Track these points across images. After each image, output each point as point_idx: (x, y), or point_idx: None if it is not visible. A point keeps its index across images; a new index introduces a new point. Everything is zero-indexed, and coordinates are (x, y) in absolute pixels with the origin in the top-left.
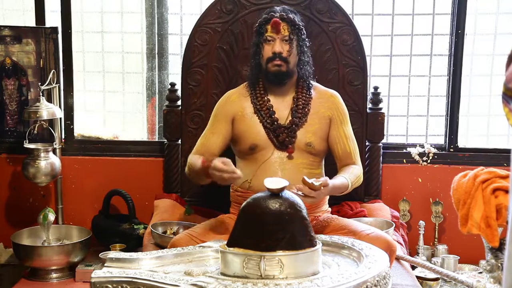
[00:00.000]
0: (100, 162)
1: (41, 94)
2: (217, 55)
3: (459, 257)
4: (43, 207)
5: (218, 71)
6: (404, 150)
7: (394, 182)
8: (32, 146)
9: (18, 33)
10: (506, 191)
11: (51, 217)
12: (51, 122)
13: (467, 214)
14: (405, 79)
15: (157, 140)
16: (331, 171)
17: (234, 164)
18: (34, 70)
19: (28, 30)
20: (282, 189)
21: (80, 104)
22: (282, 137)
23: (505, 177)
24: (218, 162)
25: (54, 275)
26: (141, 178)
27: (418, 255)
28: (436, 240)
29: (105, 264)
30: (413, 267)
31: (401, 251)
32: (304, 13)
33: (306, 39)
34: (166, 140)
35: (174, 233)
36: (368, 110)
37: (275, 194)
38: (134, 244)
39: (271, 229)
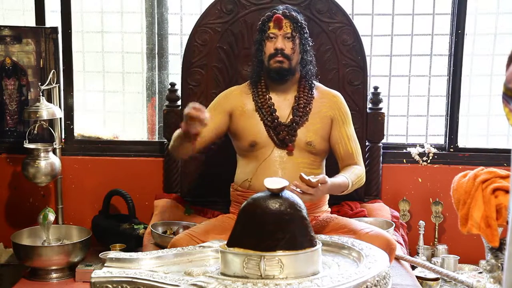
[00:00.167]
0: (100, 162)
1: (41, 94)
2: (217, 55)
3: (459, 257)
4: (43, 207)
5: (218, 71)
6: (404, 150)
7: (394, 182)
8: (32, 146)
9: (18, 33)
10: (506, 191)
11: (51, 217)
12: (51, 122)
13: (467, 214)
14: (405, 79)
15: (157, 140)
16: (334, 172)
17: (235, 163)
18: (34, 70)
19: (28, 30)
20: (282, 189)
21: (80, 104)
22: (282, 135)
23: (505, 177)
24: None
25: (54, 275)
26: (141, 178)
27: (418, 255)
28: (436, 240)
29: (105, 264)
30: (413, 267)
31: (401, 251)
32: (304, 13)
33: (309, 39)
34: (166, 140)
35: (174, 233)
36: (368, 110)
37: (275, 194)
38: (134, 244)
39: (271, 229)
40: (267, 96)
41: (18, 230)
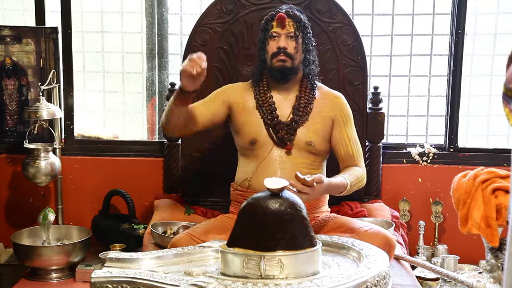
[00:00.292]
0: (100, 162)
1: (41, 94)
2: (217, 55)
3: (459, 257)
4: (43, 207)
5: (218, 71)
6: (404, 150)
7: (394, 182)
8: (32, 146)
9: (18, 33)
10: (506, 191)
11: (51, 217)
12: (51, 122)
13: (467, 214)
14: (405, 79)
15: (157, 140)
16: (335, 173)
17: (235, 163)
18: (34, 70)
19: (28, 30)
20: (282, 189)
21: (80, 104)
22: (281, 133)
23: (505, 177)
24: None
25: (54, 275)
26: (141, 178)
27: (418, 255)
28: (436, 240)
29: (105, 264)
30: (413, 267)
31: (401, 251)
32: (304, 13)
33: (312, 39)
34: (166, 140)
35: (174, 233)
36: (368, 110)
37: (275, 194)
38: (134, 244)
39: (271, 229)
40: (269, 95)
41: (18, 230)
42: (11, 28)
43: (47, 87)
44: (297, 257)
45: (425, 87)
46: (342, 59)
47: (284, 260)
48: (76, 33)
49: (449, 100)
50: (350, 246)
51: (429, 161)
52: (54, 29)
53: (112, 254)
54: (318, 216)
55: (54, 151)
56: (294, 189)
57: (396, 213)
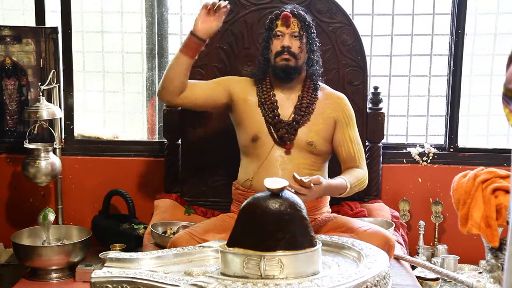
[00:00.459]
0: (100, 162)
1: (41, 94)
2: (217, 55)
3: (459, 257)
4: (43, 207)
5: (218, 71)
6: (404, 150)
7: (394, 182)
8: (32, 146)
9: (18, 33)
10: (506, 191)
11: (51, 217)
12: (51, 122)
13: (467, 214)
14: (405, 79)
15: (157, 140)
16: (336, 175)
17: (235, 163)
18: (34, 70)
19: (28, 30)
20: (282, 189)
21: (80, 104)
22: (282, 132)
23: (505, 177)
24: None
25: (54, 275)
26: (141, 178)
27: (418, 255)
28: (436, 240)
29: (105, 264)
30: (413, 267)
31: (401, 251)
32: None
33: (317, 39)
34: (166, 140)
35: (174, 233)
36: (368, 110)
37: (275, 194)
38: (134, 244)
39: (271, 229)
40: (271, 93)
41: (18, 230)
42: (11, 28)
43: (47, 87)
44: (297, 257)
45: (425, 87)
46: (342, 59)
47: (284, 260)
48: (76, 33)
49: (449, 100)
50: (350, 246)
51: (429, 161)
52: (54, 29)
53: (112, 254)
54: (319, 217)
55: (54, 151)
56: (292, 190)
57: (396, 213)
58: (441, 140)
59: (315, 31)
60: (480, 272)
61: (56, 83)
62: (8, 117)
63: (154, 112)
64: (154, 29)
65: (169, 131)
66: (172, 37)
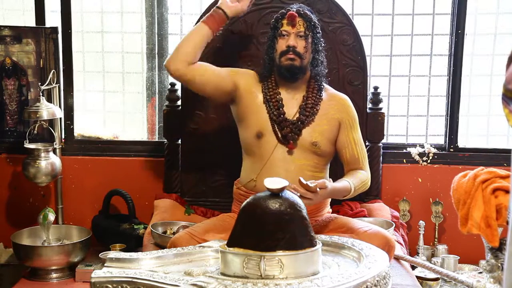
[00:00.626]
0: (100, 162)
1: (41, 94)
2: (217, 55)
3: (459, 257)
4: (43, 207)
5: None
6: (404, 150)
7: (394, 182)
8: (32, 146)
9: (18, 33)
10: (506, 191)
11: (51, 217)
12: (51, 122)
13: (467, 214)
14: (405, 79)
15: (157, 140)
16: (338, 176)
17: (235, 163)
18: (34, 70)
19: (28, 30)
20: (282, 189)
21: (80, 104)
22: (286, 131)
23: (505, 177)
24: None
25: (54, 275)
26: (141, 178)
27: (418, 255)
28: (436, 240)
29: (105, 264)
30: (413, 267)
31: (401, 251)
32: None
33: (322, 40)
34: (166, 140)
35: (174, 233)
36: (368, 110)
37: (275, 194)
38: (134, 244)
39: (271, 229)
40: (277, 91)
41: (18, 230)
42: (11, 28)
43: (47, 87)
44: (297, 257)
45: (425, 87)
46: (342, 59)
47: (284, 260)
48: (76, 33)
49: (449, 100)
50: (350, 246)
51: (429, 161)
52: (54, 29)
53: (112, 254)
54: (319, 218)
55: (54, 151)
56: (298, 194)
57: (396, 213)
58: (441, 140)
59: (320, 31)
60: (480, 272)
61: (56, 83)
62: (8, 117)
63: (154, 112)
64: (154, 29)
65: (169, 131)
66: (172, 37)
